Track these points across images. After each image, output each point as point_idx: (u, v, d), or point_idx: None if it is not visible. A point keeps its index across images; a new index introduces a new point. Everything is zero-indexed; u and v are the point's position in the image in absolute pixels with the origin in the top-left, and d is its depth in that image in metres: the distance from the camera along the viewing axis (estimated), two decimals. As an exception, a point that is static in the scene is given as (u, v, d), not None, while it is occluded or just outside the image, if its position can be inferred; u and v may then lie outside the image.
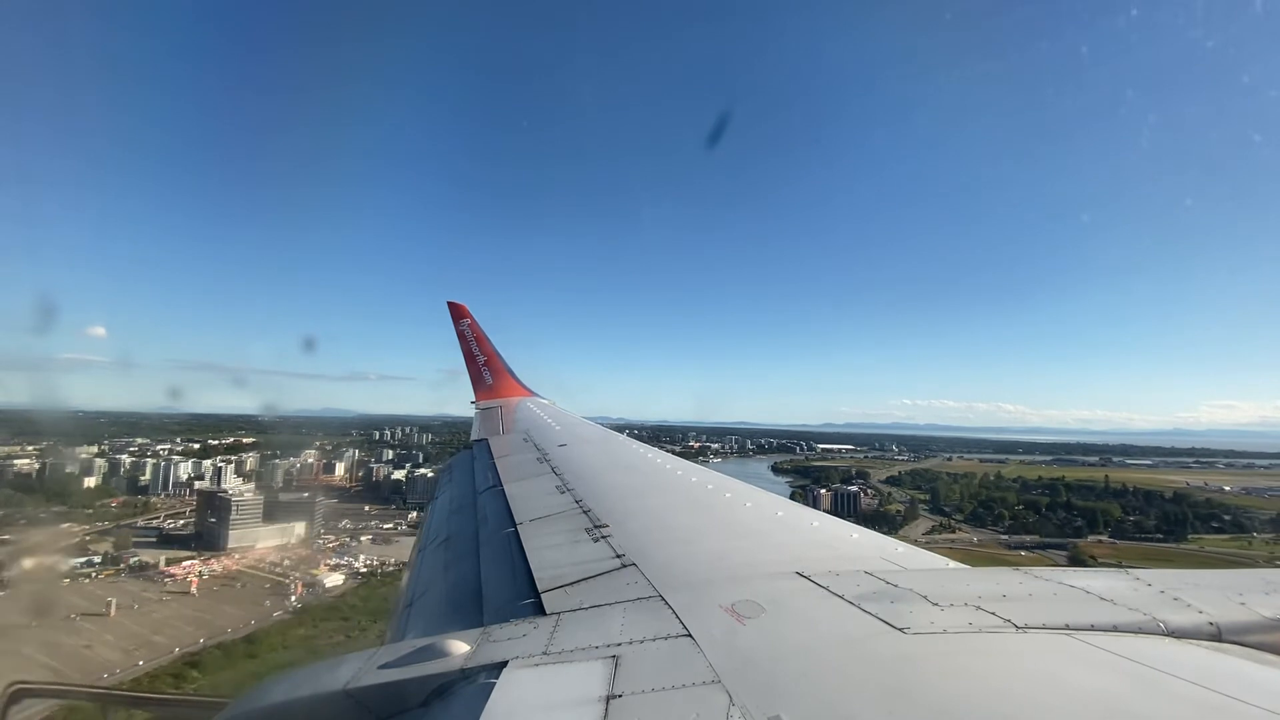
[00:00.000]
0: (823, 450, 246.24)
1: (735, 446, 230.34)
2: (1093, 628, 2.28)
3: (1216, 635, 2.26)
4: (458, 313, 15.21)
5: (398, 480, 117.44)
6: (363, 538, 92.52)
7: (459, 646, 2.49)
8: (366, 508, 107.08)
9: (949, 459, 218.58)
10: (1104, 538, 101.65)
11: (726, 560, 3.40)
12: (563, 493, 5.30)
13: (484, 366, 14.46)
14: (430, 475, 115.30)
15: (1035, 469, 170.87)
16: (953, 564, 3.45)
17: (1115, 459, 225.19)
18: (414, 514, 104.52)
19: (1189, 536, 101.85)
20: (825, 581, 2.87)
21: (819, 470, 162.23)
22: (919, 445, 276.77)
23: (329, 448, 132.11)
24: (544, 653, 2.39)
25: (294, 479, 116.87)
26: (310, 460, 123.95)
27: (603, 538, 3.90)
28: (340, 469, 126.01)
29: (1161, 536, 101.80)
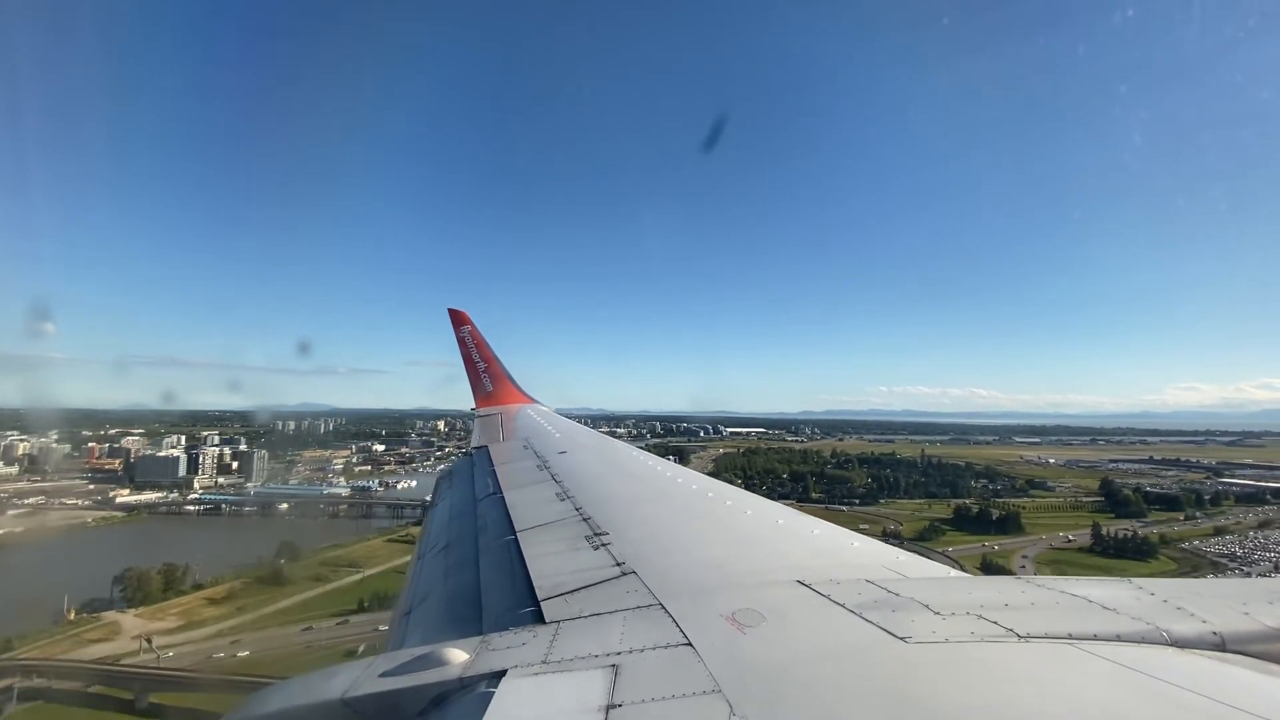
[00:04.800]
0: (730, 433, 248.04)
1: (646, 431, 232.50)
2: (1095, 637, 2.24)
3: (1220, 645, 2.22)
4: (458, 319, 15.05)
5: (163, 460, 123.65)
6: (9, 511, 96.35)
7: (457, 655, 2.45)
8: (90, 487, 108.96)
9: (841, 439, 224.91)
10: (804, 500, 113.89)
11: (727, 568, 3.36)
12: (562, 500, 5.29)
13: (484, 373, 14.37)
14: (175, 456, 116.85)
15: (915, 448, 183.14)
16: (955, 573, 3.41)
17: (1015, 438, 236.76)
18: (126, 491, 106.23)
19: (882, 500, 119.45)
20: (826, 590, 2.83)
21: (665, 451, 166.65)
22: (833, 428, 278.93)
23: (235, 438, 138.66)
24: (543, 661, 2.36)
25: (65, 461, 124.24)
26: (91, 445, 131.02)
27: (602, 545, 3.88)
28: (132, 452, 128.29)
29: (862, 500, 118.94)
